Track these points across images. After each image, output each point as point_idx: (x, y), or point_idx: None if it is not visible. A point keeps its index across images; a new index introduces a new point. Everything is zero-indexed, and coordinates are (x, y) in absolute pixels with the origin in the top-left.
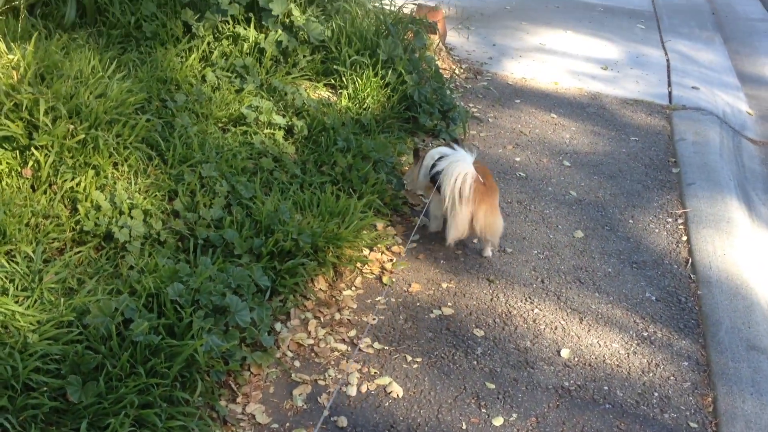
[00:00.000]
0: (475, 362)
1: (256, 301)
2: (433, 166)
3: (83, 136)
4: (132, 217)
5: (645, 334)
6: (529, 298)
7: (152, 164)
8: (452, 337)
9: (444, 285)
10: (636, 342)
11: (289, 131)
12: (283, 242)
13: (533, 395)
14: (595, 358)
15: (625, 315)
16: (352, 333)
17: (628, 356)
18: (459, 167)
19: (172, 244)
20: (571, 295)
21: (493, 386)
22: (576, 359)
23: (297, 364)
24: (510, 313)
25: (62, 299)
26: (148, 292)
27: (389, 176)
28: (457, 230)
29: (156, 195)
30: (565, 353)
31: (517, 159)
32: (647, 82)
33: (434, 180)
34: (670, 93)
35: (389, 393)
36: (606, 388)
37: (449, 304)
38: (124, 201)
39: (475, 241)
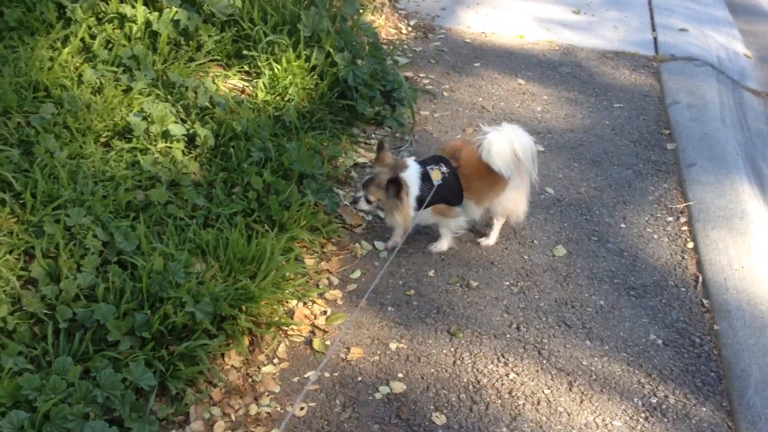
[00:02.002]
0: None
1: (134, 417)
2: (425, 178)
3: None
4: None
5: (654, 400)
6: (503, 356)
7: (4, 212)
8: (405, 429)
9: (393, 345)
10: (643, 414)
11: (191, 141)
12: (175, 316)
13: None
14: None
15: (627, 372)
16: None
17: None
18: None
19: (25, 333)
20: (555, 346)
21: None
22: None
23: None
24: (479, 382)
25: None
26: None
27: (319, 195)
28: (527, 203)
29: (7, 258)
30: None
31: None
32: (628, 26)
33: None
34: (655, 39)
35: None
36: None
37: (400, 375)
38: None
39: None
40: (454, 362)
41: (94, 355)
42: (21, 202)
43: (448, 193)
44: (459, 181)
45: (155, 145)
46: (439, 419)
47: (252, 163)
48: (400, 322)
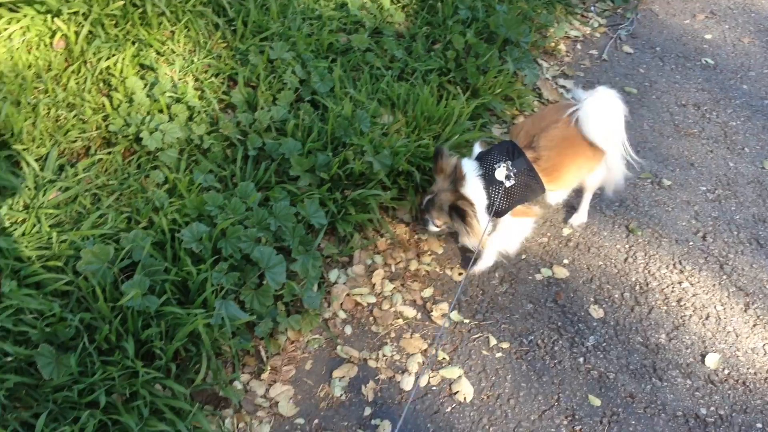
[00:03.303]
0: (581, 359)
1: (301, 249)
2: (490, 180)
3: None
4: (172, 117)
5: None
6: (680, 263)
7: (216, 36)
8: (559, 314)
9: (565, 231)
10: None
11: None
12: (354, 162)
13: (652, 424)
14: (754, 374)
15: None
16: (428, 292)
17: None
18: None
19: (218, 154)
20: (740, 263)
21: (598, 403)
22: (726, 372)
23: (348, 331)
24: (647, 284)
25: (55, 234)
26: (165, 227)
27: (520, 63)
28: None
29: (212, 81)
30: (712, 360)
31: (707, 36)
32: None
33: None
34: None
35: (455, 393)
36: (760, 425)
37: (565, 261)
38: (165, 91)
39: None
40: (626, 259)
41: (275, 186)
42: (232, 28)
43: (523, 192)
44: (537, 176)
45: None
46: (597, 313)
47: (457, 21)
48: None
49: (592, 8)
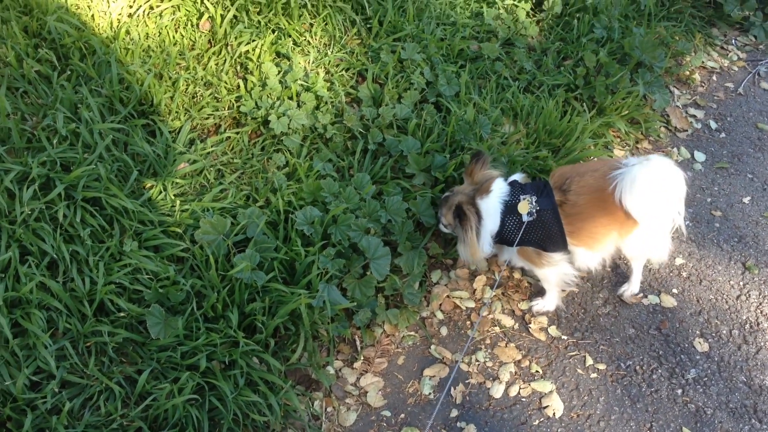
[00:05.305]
0: (679, 390)
1: (407, 245)
2: (511, 209)
3: None
4: (300, 104)
5: None
6: None
7: (352, 32)
8: (662, 343)
9: (677, 260)
10: None
11: (538, 4)
12: None
13: None
14: None
15: None
16: (527, 305)
17: None
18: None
19: (339, 144)
20: None
21: None
22: None
23: (443, 332)
24: (758, 324)
25: (179, 202)
26: (280, 207)
27: (651, 87)
28: (668, 241)
29: (342, 74)
30: None
31: None
32: None
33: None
34: None
35: (544, 408)
36: None
37: (675, 290)
38: (297, 79)
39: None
40: (738, 296)
41: (390, 181)
42: (368, 26)
43: (539, 235)
44: (559, 222)
45: (503, 1)
46: (701, 346)
47: (591, 40)
48: (693, 239)
49: (733, 41)
